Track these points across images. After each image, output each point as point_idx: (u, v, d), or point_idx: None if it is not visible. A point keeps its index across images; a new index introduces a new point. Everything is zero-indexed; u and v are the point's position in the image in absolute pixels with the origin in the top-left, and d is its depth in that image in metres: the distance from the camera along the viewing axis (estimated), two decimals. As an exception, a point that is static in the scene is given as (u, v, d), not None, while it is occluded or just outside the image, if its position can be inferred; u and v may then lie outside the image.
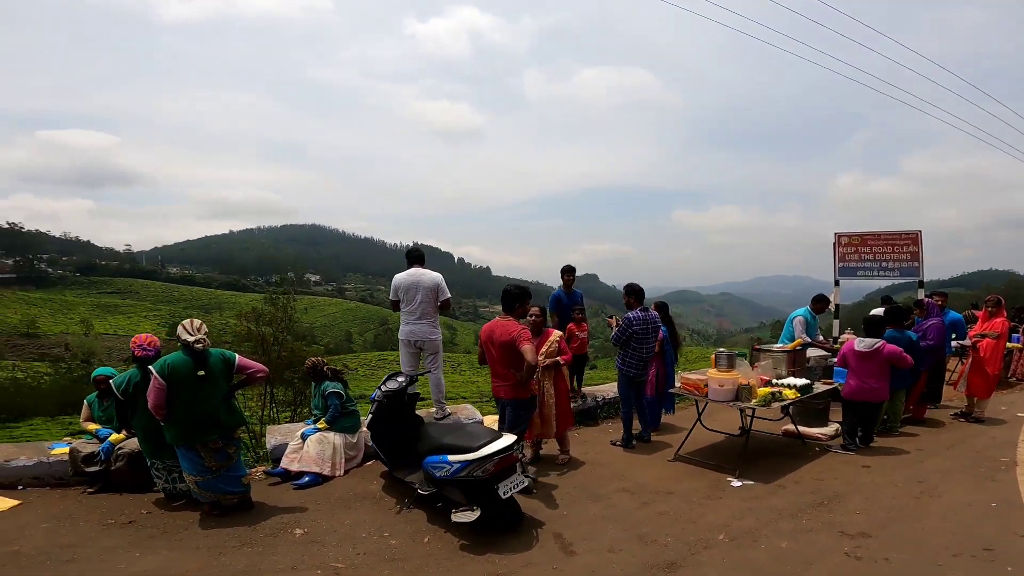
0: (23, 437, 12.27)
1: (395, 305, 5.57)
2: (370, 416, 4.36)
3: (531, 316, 5.01)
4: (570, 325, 6.53)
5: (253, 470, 4.97)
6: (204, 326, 3.82)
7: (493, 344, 4.26)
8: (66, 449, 4.51)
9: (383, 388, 4.48)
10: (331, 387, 4.90)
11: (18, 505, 4.16)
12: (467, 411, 6.09)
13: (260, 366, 4.01)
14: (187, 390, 3.65)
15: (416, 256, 5.65)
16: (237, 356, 3.94)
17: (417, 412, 4.84)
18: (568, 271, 7.03)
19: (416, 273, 5.47)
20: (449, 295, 5.53)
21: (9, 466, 4.51)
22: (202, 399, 3.69)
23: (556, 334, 5.18)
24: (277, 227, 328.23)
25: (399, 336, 5.54)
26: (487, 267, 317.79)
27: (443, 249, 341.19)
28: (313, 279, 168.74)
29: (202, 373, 3.66)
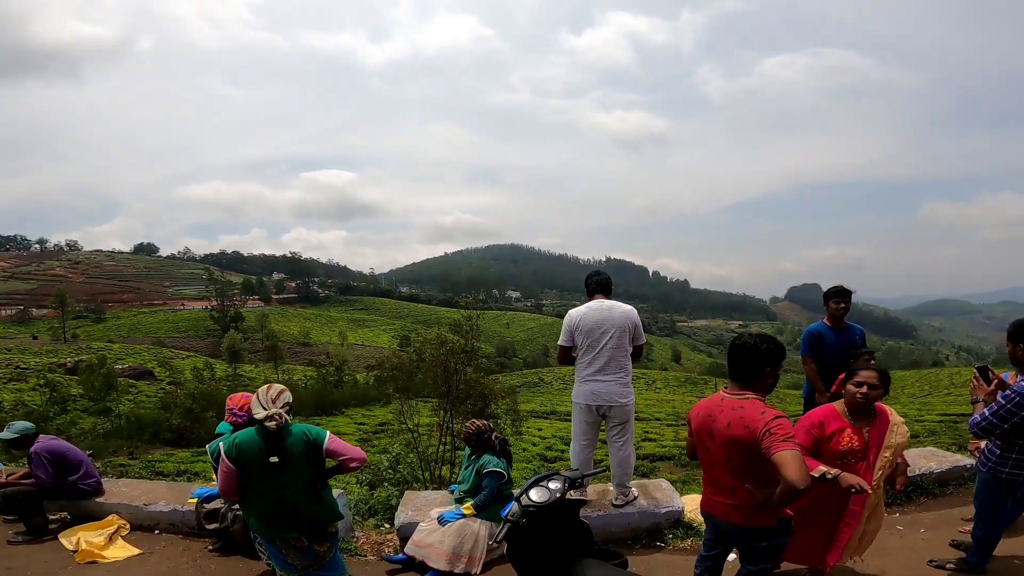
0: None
1: (564, 354, 4.00)
2: (502, 531, 2.68)
3: (858, 391, 2.85)
4: (841, 377, 4.14)
5: (363, 537, 4.23)
6: (286, 394, 2.76)
7: (712, 437, 2.39)
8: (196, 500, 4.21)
9: (527, 498, 2.72)
10: (492, 464, 3.73)
11: (138, 555, 4.08)
12: (662, 491, 4.31)
13: (356, 452, 2.91)
14: (258, 476, 2.74)
15: (600, 284, 4.03)
16: (328, 436, 2.86)
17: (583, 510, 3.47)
18: (838, 296, 4.64)
19: (603, 308, 3.88)
20: (644, 339, 3.99)
21: (147, 510, 4.46)
22: (277, 487, 2.77)
23: (897, 423, 2.98)
24: (483, 247, 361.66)
25: (574, 399, 4.01)
26: (685, 280, 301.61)
27: (637, 263, 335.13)
28: (514, 295, 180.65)
29: (275, 459, 2.68)
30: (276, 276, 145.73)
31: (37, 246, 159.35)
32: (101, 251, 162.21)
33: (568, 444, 14.56)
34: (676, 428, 17.38)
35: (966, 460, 4.75)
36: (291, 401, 2.72)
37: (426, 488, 5.90)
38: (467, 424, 3.85)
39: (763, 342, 2.43)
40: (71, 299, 79.56)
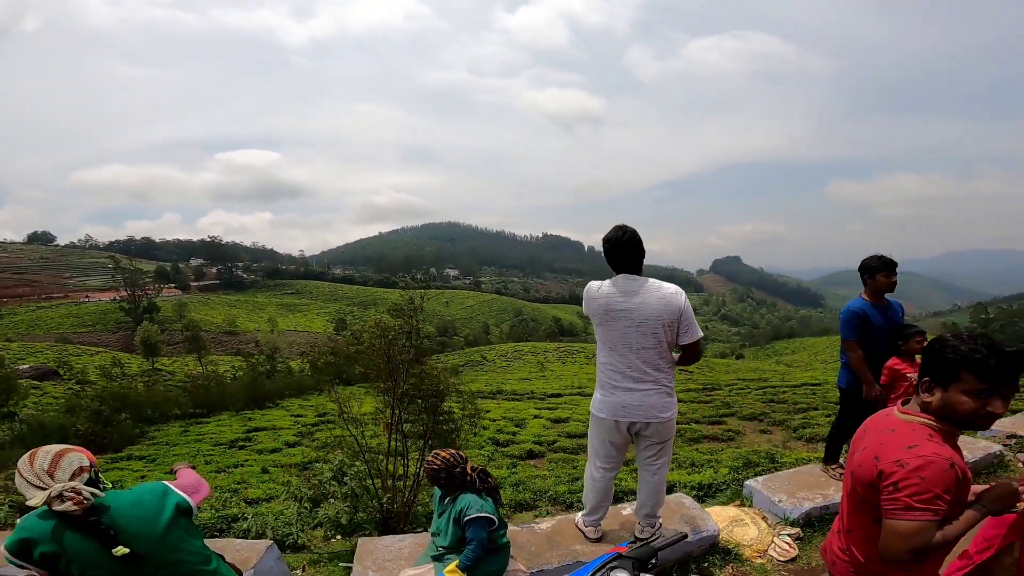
0: (208, 435, 14.19)
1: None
2: None
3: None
4: (893, 362, 3.77)
5: None
6: (70, 458, 1.68)
7: (860, 482, 1.62)
8: None
9: None
10: (476, 508, 2.58)
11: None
12: (686, 509, 3.69)
13: (198, 485, 1.99)
14: None
15: (628, 249, 2.87)
16: (169, 485, 1.86)
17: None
18: (883, 268, 3.77)
19: (632, 289, 2.82)
20: (700, 332, 2.86)
21: None
22: None
23: None
24: (419, 226, 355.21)
25: (594, 410, 3.00)
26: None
27: (573, 239, 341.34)
28: (452, 274, 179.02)
29: (123, 551, 1.63)
30: (194, 262, 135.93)
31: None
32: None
33: (520, 426, 14.32)
34: (690, 450, 17.69)
35: (994, 446, 4.67)
36: (87, 465, 1.67)
37: (378, 501, 5.21)
38: (429, 459, 2.72)
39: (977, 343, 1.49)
40: (-50, 295, 70.18)
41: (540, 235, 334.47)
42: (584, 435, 11.99)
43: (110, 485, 1.78)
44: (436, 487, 2.80)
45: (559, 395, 20.80)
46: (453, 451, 2.73)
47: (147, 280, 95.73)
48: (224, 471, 9.67)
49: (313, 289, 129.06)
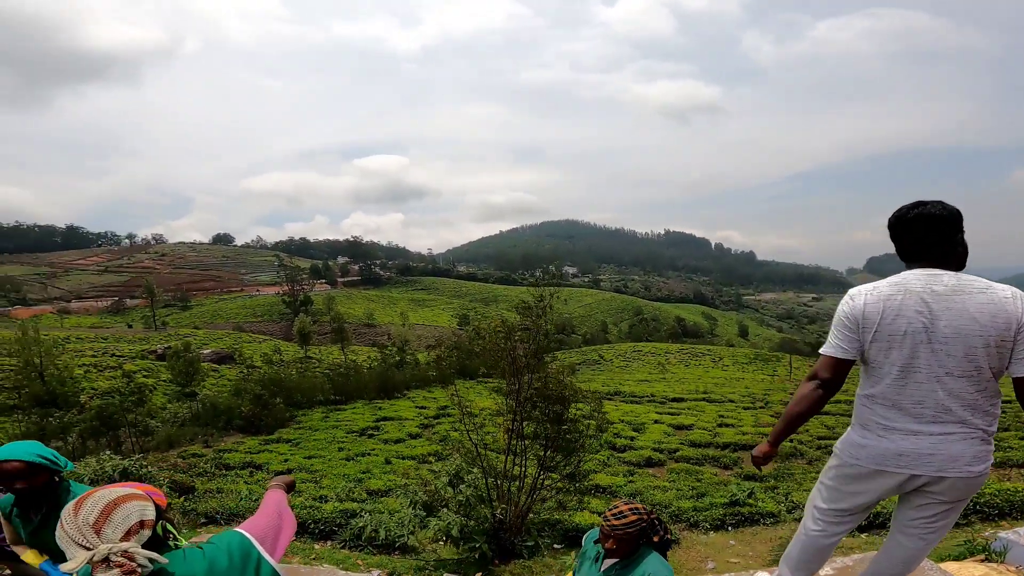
0: (344, 421, 15.45)
1: (836, 368, 2.08)
2: None
3: None
4: None
5: None
6: (125, 510, 1.23)
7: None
8: None
9: None
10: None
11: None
12: (921, 571, 2.86)
13: (281, 524, 1.59)
14: None
15: (935, 230, 1.99)
16: (247, 534, 1.46)
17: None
18: None
19: (938, 284, 1.95)
20: None
21: None
22: None
23: None
24: (537, 224, 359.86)
25: (842, 454, 2.20)
26: (750, 252, 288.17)
27: (698, 235, 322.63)
28: (571, 271, 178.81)
29: None
30: (340, 260, 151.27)
31: (127, 241, 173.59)
32: (184, 243, 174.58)
33: (638, 431, 13.71)
34: (755, 411, 16.20)
35: None
36: (150, 518, 1.27)
37: (491, 511, 4.96)
38: (621, 509, 2.08)
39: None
40: (159, 289, 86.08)
41: (661, 232, 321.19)
42: (709, 444, 11.15)
43: (183, 541, 1.44)
44: (606, 545, 2.12)
45: (681, 399, 19.61)
46: (637, 504, 2.13)
47: (303, 276, 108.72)
48: (353, 459, 10.45)
49: (439, 285, 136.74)
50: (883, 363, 2.02)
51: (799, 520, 5.79)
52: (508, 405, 5.96)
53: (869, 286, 2.09)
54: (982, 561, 3.31)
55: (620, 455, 10.74)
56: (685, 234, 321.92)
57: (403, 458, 10.55)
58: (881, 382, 2.04)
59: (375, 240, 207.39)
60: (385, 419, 15.59)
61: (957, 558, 3.41)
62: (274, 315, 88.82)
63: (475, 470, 5.54)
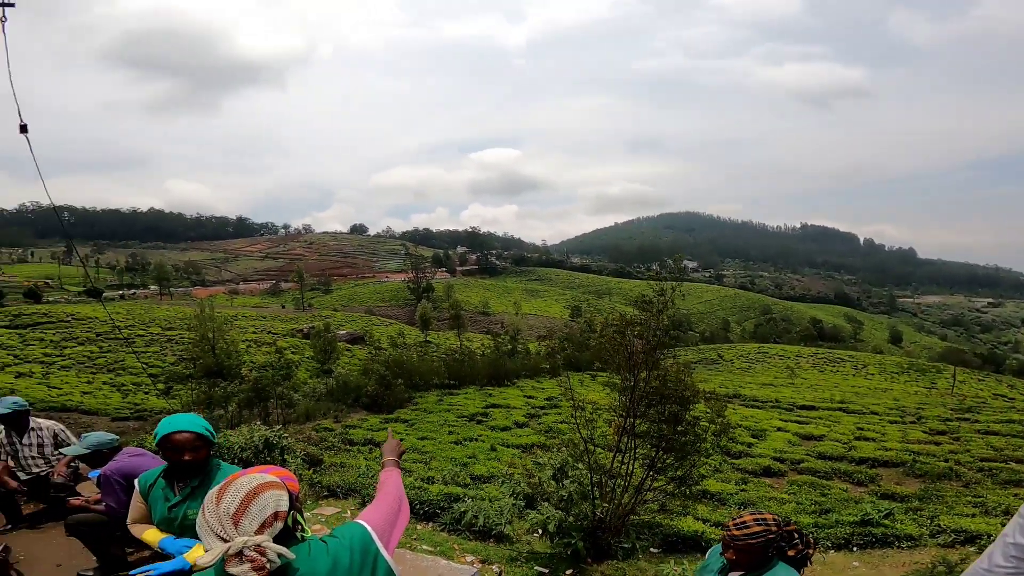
0: (456, 406, 16.20)
1: None
2: None
3: None
4: None
5: None
6: (263, 500, 1.27)
7: None
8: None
9: None
10: None
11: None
12: None
13: (396, 514, 1.62)
14: None
15: None
16: (368, 527, 1.48)
17: None
18: None
19: None
20: None
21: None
22: None
23: None
24: (654, 216, 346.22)
25: None
26: (910, 248, 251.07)
27: (842, 229, 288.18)
28: (691, 266, 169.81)
29: None
30: (459, 249, 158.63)
31: (282, 231, 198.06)
32: (327, 232, 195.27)
33: (758, 437, 12.72)
34: (903, 426, 14.23)
35: None
36: (284, 509, 1.29)
37: (592, 508, 4.86)
38: (745, 519, 1.97)
39: None
40: (307, 274, 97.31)
41: (797, 225, 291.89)
42: (842, 458, 10.02)
43: (308, 532, 1.43)
44: (729, 554, 2.00)
45: (813, 407, 17.84)
46: (763, 514, 2.01)
47: (426, 264, 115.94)
48: (461, 443, 10.97)
49: (553, 276, 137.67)
50: None
51: (942, 546, 5.06)
52: (621, 401, 5.83)
53: None
54: None
55: (734, 461, 10.07)
56: (826, 228, 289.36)
57: (508, 446, 10.86)
58: None
59: (491, 231, 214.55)
60: (494, 406, 16.14)
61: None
62: (400, 300, 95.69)
63: (580, 466, 5.50)
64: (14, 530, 4.09)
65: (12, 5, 5.07)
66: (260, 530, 1.22)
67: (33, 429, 4.23)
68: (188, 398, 15.10)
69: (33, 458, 4.20)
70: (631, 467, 5.67)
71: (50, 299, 69.42)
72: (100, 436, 3.64)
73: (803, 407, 17.95)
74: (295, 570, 1.27)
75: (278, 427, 7.42)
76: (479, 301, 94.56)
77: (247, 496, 1.25)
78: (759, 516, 1.98)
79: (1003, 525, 2.22)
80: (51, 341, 33.50)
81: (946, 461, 9.77)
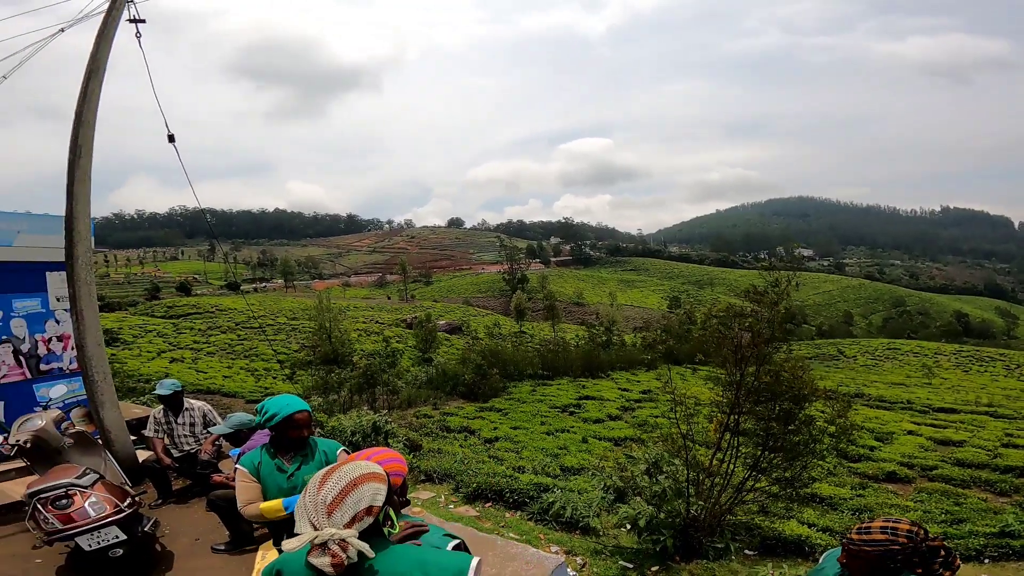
0: (549, 396, 16.29)
1: None
2: None
3: None
4: None
5: None
6: (362, 492, 1.27)
7: None
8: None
9: None
10: None
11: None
12: None
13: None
14: None
15: None
16: (473, 563, 1.35)
17: None
18: None
19: None
20: None
21: None
22: None
23: None
24: (762, 203, 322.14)
25: None
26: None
27: (993, 213, 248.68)
28: (806, 254, 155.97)
29: None
30: (553, 240, 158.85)
31: (387, 226, 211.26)
32: (427, 227, 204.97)
33: (882, 440, 11.57)
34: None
35: None
36: (379, 504, 1.27)
37: (686, 506, 4.69)
38: (861, 525, 1.81)
39: None
40: (410, 267, 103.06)
41: (936, 209, 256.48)
42: (985, 466, 8.87)
43: (397, 529, 1.37)
44: (851, 566, 1.81)
45: (953, 410, 15.86)
46: (897, 523, 1.77)
47: (520, 256, 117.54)
48: (553, 434, 11.08)
49: (649, 266, 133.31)
50: None
51: None
52: (726, 397, 5.59)
53: None
54: None
55: (852, 464, 9.24)
56: (973, 211, 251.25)
57: (600, 439, 10.80)
58: None
59: (585, 221, 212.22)
60: (587, 398, 16.07)
61: None
62: (495, 291, 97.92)
63: (677, 461, 5.35)
64: (164, 504, 4.48)
65: (143, 21, 5.24)
66: (351, 523, 1.21)
67: (187, 409, 4.64)
68: (308, 383, 16.61)
69: (185, 436, 4.58)
70: (731, 466, 5.44)
71: (198, 292, 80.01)
72: (242, 416, 3.87)
73: (941, 409, 16.01)
74: (374, 571, 1.23)
75: (383, 412, 8.01)
76: (573, 292, 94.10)
77: (346, 487, 1.24)
78: (889, 524, 1.75)
79: None
80: (199, 330, 38.53)
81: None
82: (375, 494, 1.26)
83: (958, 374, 34.27)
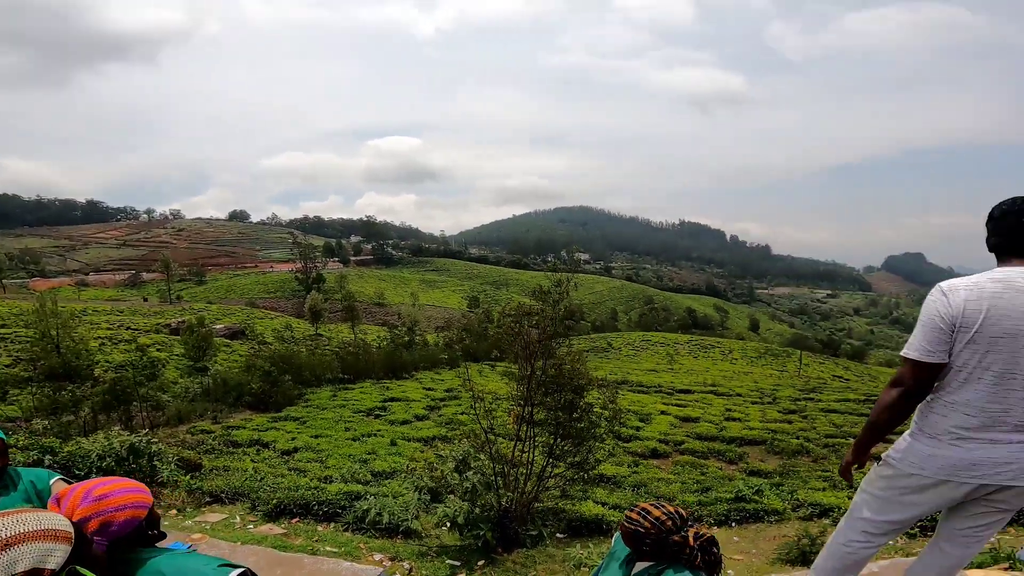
0: (351, 401, 15.58)
1: (923, 375, 1.93)
2: None
3: None
4: None
5: None
6: (20, 553, 0.94)
7: None
8: None
9: None
10: None
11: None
12: None
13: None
14: None
15: None
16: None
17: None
18: None
19: None
20: None
21: None
22: None
23: None
24: (551, 210, 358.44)
25: (897, 462, 2.09)
26: (766, 245, 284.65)
27: (713, 227, 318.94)
28: (583, 258, 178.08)
29: None
30: (353, 239, 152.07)
31: (145, 216, 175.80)
32: (201, 219, 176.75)
33: (645, 421, 13.64)
34: (762, 407, 16.07)
35: None
36: (49, 567, 0.96)
37: (497, 498, 4.87)
38: (633, 516, 1.88)
39: None
40: (175, 263, 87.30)
41: (677, 222, 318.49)
42: (716, 438, 11.07)
43: None
44: (628, 546, 1.93)
45: (689, 391, 19.51)
46: (672, 509, 1.87)
47: (316, 254, 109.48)
48: (359, 439, 10.52)
49: (451, 267, 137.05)
50: (975, 367, 1.86)
51: (806, 519, 5.71)
52: (519, 391, 5.85)
53: (965, 281, 1.90)
54: (1006, 570, 3.26)
55: (625, 445, 10.70)
56: (701, 224, 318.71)
57: (409, 440, 10.61)
58: (968, 388, 1.89)
59: (388, 220, 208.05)
60: (392, 399, 15.69)
61: (980, 566, 3.35)
62: (286, 292, 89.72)
63: (482, 456, 5.50)
64: None
65: None
66: None
67: None
68: (29, 403, 12.85)
69: None
70: (532, 455, 5.73)
71: None
72: None
73: (681, 391, 19.57)
74: None
75: (143, 432, 6.56)
76: (374, 292, 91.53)
77: (10, 538, 0.95)
78: (646, 508, 1.83)
79: (849, 498, 2.57)
80: None
81: (797, 438, 11.15)
82: (43, 556, 0.96)
83: (691, 360, 42.87)
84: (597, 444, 6.26)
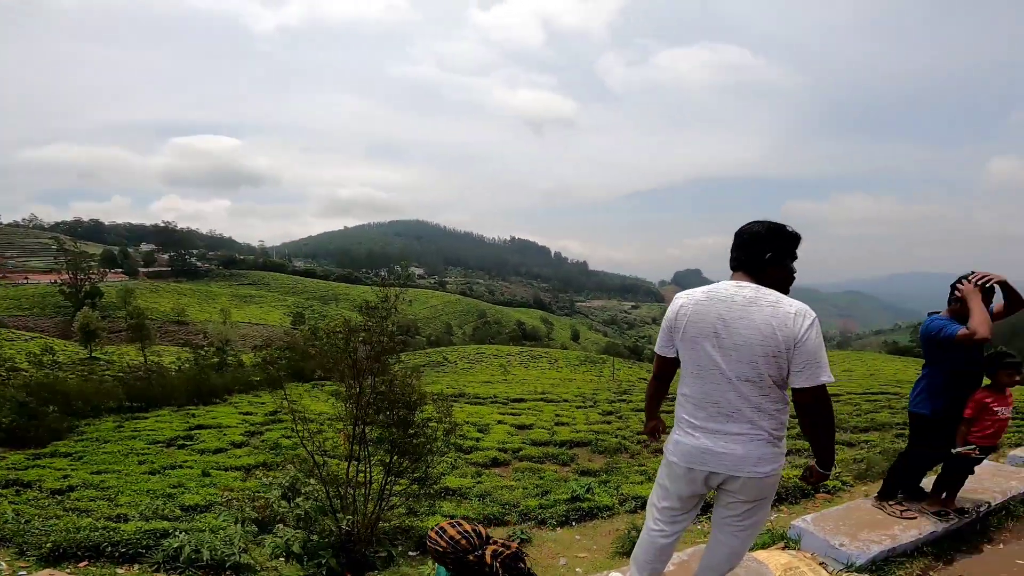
0: (144, 431, 13.18)
1: (662, 367, 2.44)
2: None
3: None
4: (982, 395, 3.45)
5: None
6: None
7: None
8: None
9: None
10: None
11: None
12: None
13: None
14: None
15: (752, 245, 2.22)
16: None
17: None
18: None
19: (738, 297, 2.15)
20: (827, 376, 2.02)
21: None
22: None
23: None
24: (385, 223, 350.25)
25: (665, 451, 2.41)
26: (584, 261, 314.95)
27: (540, 243, 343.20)
28: (418, 272, 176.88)
29: None
30: (145, 247, 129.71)
31: None
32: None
33: (483, 431, 13.86)
34: (585, 410, 17.49)
35: None
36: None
37: (336, 523, 4.54)
38: (432, 535, 1.92)
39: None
40: None
41: (508, 238, 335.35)
42: (549, 443, 11.68)
43: None
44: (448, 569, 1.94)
45: (522, 400, 20.40)
46: (468, 528, 1.90)
47: (92, 264, 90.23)
48: (159, 472, 8.84)
49: (271, 281, 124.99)
50: (687, 363, 2.25)
51: (632, 512, 6.26)
52: (348, 410, 5.54)
53: (689, 292, 2.31)
54: (783, 548, 3.64)
55: (467, 456, 10.68)
56: (529, 241, 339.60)
57: (226, 469, 9.19)
58: (688, 382, 2.26)
59: (194, 228, 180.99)
60: (201, 427, 13.51)
61: (763, 546, 3.73)
62: (47, 309, 72.85)
63: (313, 480, 4.99)
64: None
65: None
66: None
67: None
68: None
69: None
70: (370, 475, 5.46)
71: None
72: None
73: (515, 400, 20.38)
74: None
75: None
76: (172, 308, 79.02)
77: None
78: (448, 531, 1.89)
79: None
80: None
81: (616, 437, 12.27)
82: None
83: (523, 370, 45.12)
84: (437, 458, 6.15)
